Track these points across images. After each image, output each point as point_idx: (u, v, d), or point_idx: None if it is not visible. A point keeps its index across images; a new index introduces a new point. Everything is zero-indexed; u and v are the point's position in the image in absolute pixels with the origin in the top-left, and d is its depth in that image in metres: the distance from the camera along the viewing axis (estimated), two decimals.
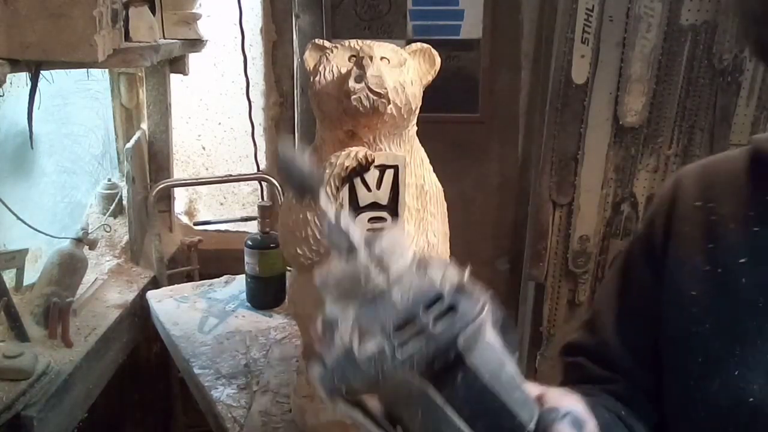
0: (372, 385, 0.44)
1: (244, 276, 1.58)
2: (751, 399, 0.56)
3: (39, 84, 1.30)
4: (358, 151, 0.92)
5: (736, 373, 0.57)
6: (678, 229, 0.67)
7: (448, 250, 1.05)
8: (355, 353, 0.43)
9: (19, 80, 1.38)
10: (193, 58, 1.91)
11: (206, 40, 1.83)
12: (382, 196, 0.95)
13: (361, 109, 0.92)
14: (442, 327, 0.43)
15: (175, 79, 1.93)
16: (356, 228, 0.48)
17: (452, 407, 0.45)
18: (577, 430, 0.50)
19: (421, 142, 1.04)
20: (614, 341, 0.71)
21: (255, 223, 1.58)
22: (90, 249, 1.61)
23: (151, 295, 1.63)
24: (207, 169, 2.11)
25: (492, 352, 0.46)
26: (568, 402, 0.52)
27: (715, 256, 0.63)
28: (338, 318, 0.45)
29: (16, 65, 1.16)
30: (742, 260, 0.60)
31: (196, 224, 2.05)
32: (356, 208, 0.95)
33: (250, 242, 1.53)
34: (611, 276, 0.78)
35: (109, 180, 1.93)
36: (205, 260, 1.90)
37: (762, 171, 0.64)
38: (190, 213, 2.15)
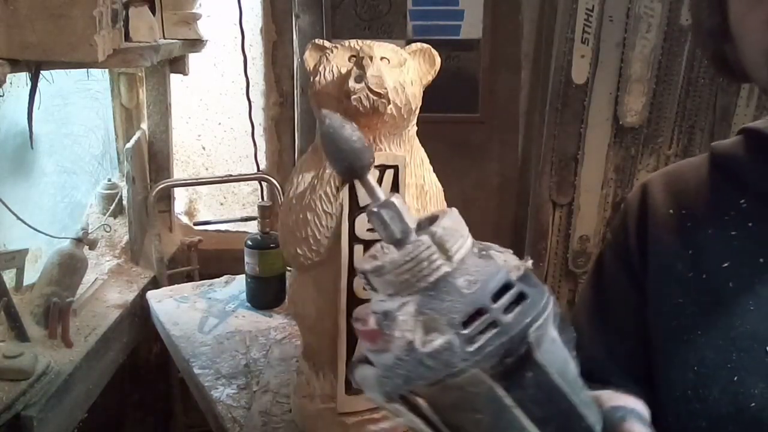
0: (434, 385, 0.38)
1: (244, 276, 1.58)
2: (753, 404, 0.55)
3: (39, 84, 1.30)
4: None
5: (735, 379, 0.56)
6: (654, 238, 0.67)
7: None
8: (420, 348, 0.37)
9: (19, 80, 1.38)
10: (193, 58, 1.91)
11: (206, 40, 1.83)
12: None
13: (361, 109, 0.92)
14: (513, 318, 0.38)
15: (175, 79, 1.93)
16: (409, 210, 0.42)
17: (521, 409, 0.39)
18: (647, 427, 0.47)
19: (421, 142, 1.04)
20: (600, 355, 0.70)
21: (255, 223, 1.58)
22: (90, 249, 1.61)
23: (151, 295, 1.63)
24: (207, 169, 2.11)
25: (557, 348, 0.41)
26: (628, 401, 0.49)
27: (698, 262, 0.62)
28: (396, 310, 0.39)
29: (16, 65, 1.16)
30: (725, 264, 0.60)
31: (196, 224, 2.05)
32: (356, 208, 0.95)
33: (250, 242, 1.53)
34: (586, 289, 0.77)
35: (109, 180, 1.93)
36: (205, 260, 1.90)
37: (725, 176, 0.64)
38: (190, 213, 2.15)
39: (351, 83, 0.91)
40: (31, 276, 1.50)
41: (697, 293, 0.61)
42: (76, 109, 1.77)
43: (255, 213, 1.59)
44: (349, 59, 0.96)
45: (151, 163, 1.94)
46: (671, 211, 0.66)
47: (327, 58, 0.98)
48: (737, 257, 0.60)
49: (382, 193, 0.43)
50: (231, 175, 1.94)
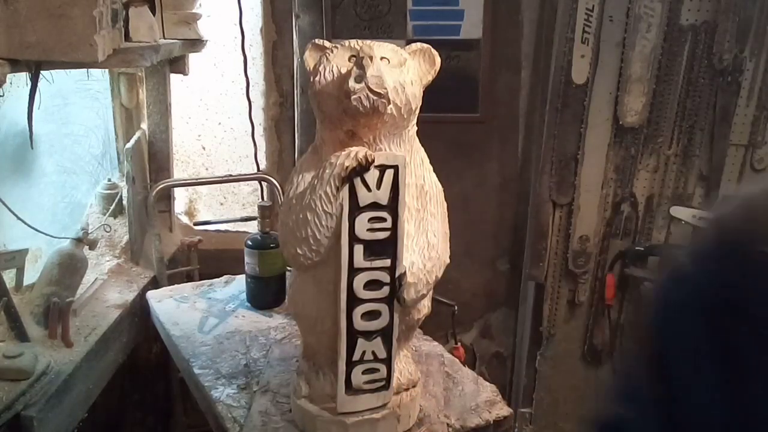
0: None
1: (244, 276, 1.58)
2: None
3: (39, 84, 1.30)
4: (358, 151, 0.92)
5: None
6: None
7: (448, 250, 1.05)
8: None
9: (19, 80, 1.38)
10: (193, 58, 1.91)
11: (206, 40, 1.83)
12: (382, 196, 0.95)
13: (361, 109, 0.92)
14: None
15: (175, 79, 1.93)
16: None
17: None
18: None
19: (421, 142, 1.05)
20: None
21: (255, 223, 1.58)
22: (90, 249, 1.61)
23: (151, 295, 1.63)
24: (207, 169, 2.11)
25: None
26: None
27: None
28: None
29: (16, 65, 1.16)
30: None
31: (196, 224, 2.05)
32: (356, 208, 0.95)
33: (250, 242, 1.53)
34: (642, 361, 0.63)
35: (109, 180, 1.93)
36: (205, 260, 1.90)
37: None
38: (190, 213, 2.15)
39: (351, 83, 0.92)
40: (31, 276, 1.50)
41: None
42: (76, 109, 1.77)
43: (255, 213, 1.59)
44: (349, 59, 0.96)
45: (151, 163, 1.94)
46: None
47: (327, 58, 0.98)
48: None
49: None
50: (231, 175, 1.94)
